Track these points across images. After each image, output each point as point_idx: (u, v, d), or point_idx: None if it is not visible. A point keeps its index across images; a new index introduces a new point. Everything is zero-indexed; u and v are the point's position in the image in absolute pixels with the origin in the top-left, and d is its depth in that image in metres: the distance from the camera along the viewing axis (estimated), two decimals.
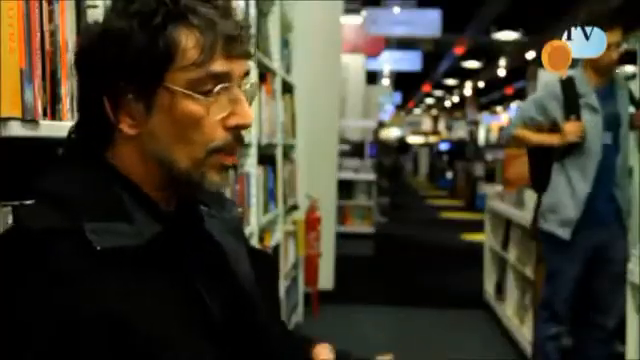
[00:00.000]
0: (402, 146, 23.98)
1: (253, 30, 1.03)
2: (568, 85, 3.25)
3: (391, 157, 14.93)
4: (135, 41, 0.92)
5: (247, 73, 0.99)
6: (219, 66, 0.94)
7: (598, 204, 3.25)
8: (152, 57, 0.92)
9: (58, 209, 0.89)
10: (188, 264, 0.97)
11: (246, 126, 0.97)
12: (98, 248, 0.87)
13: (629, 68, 4.10)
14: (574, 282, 3.31)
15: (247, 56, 0.99)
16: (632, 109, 3.18)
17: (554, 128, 3.32)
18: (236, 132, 0.97)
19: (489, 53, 17.86)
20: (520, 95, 21.05)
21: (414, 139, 29.09)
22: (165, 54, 0.93)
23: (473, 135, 22.71)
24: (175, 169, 0.96)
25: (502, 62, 18.11)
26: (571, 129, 3.21)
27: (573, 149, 3.25)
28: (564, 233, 3.30)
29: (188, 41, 0.93)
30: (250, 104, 1.01)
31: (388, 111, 19.53)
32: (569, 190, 3.27)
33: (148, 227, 0.93)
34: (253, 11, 3.36)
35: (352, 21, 10.56)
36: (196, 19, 0.94)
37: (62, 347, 0.84)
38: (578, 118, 3.22)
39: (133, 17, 0.93)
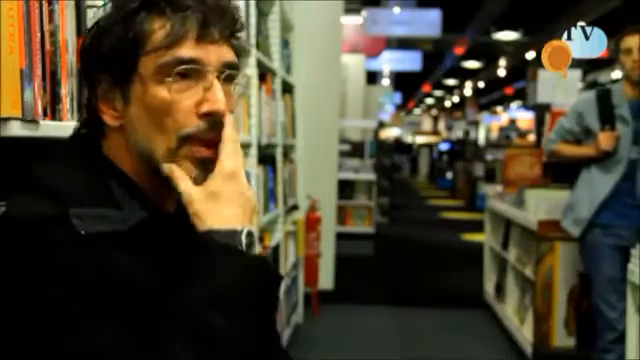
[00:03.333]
0: (400, 146, 23.96)
1: (237, 17, 1.01)
2: (604, 96, 3.34)
3: (389, 157, 14.92)
4: (109, 33, 0.95)
5: (231, 65, 0.98)
6: (188, 51, 0.94)
7: (619, 210, 3.30)
8: (123, 45, 0.94)
9: (45, 197, 0.90)
10: (173, 254, 0.96)
11: (217, 113, 0.95)
12: (82, 233, 0.87)
13: None
14: (612, 283, 3.30)
15: (224, 42, 0.98)
16: None
17: (589, 138, 3.38)
18: (210, 120, 0.95)
19: (489, 53, 17.88)
20: (520, 95, 21.07)
21: (414, 139, 29.09)
22: (135, 41, 0.94)
23: (468, 135, 22.66)
24: (152, 160, 0.96)
25: (502, 62, 18.12)
26: (605, 139, 3.27)
27: (602, 156, 3.31)
28: (575, 230, 3.42)
29: (157, 25, 0.94)
30: (237, 100, 1.00)
31: (388, 111, 19.52)
32: (589, 193, 3.36)
33: (135, 213, 0.94)
34: (253, 11, 3.36)
35: (352, 21, 10.56)
36: (168, 4, 0.94)
37: (51, 328, 0.84)
38: (612, 128, 3.28)
39: (112, 10, 0.97)
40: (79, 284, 0.86)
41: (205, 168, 0.96)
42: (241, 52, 1.03)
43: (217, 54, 0.96)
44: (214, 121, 0.95)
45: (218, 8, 0.97)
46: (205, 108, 0.95)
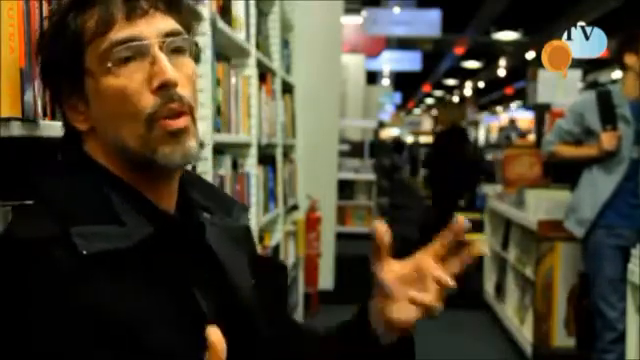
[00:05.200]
0: (397, 145, 23.86)
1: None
2: (604, 96, 3.34)
3: (389, 157, 14.90)
4: (50, 40, 0.96)
5: (171, 33, 0.95)
6: (121, 32, 0.92)
7: (621, 210, 3.31)
8: (65, 48, 0.94)
9: (46, 215, 0.88)
10: (182, 268, 0.95)
11: (169, 82, 0.92)
12: (84, 252, 0.85)
13: None
14: (613, 284, 3.30)
15: (155, 12, 0.95)
16: None
17: (590, 139, 3.37)
18: (165, 93, 0.93)
19: (489, 53, 17.87)
20: (520, 95, 21.07)
21: (415, 139, 29.05)
22: (74, 40, 0.94)
23: None
24: (128, 151, 0.94)
25: (502, 62, 18.12)
26: (608, 139, 3.26)
27: (604, 157, 3.31)
28: (578, 231, 3.41)
29: (88, 19, 0.94)
30: (192, 58, 0.98)
31: (388, 111, 19.51)
32: (591, 193, 3.36)
33: (138, 229, 0.91)
34: (253, 11, 3.36)
35: (352, 21, 10.56)
36: None
37: (54, 353, 0.83)
38: (614, 128, 3.28)
39: (50, 24, 0.97)
40: (80, 309, 0.84)
41: (178, 140, 0.94)
42: (190, 18, 1.00)
43: (151, 26, 0.94)
44: (169, 93, 0.93)
45: None
46: (155, 82, 0.92)
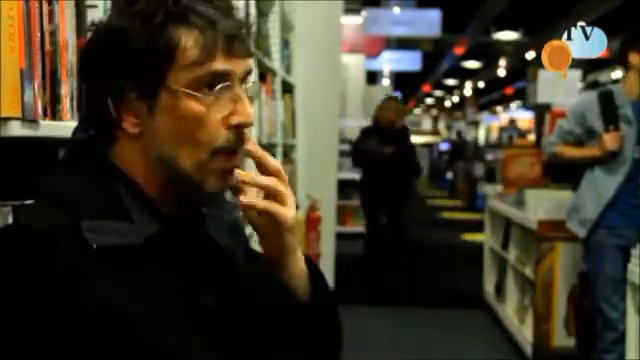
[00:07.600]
0: None
1: (253, 29, 1.04)
2: (606, 96, 3.33)
3: None
4: (136, 41, 0.92)
5: (249, 72, 0.99)
6: (220, 65, 0.94)
7: (623, 210, 3.30)
8: (153, 57, 0.92)
9: (57, 207, 0.90)
10: (187, 264, 0.97)
11: (247, 124, 0.97)
12: (94, 246, 0.87)
13: None
14: (614, 284, 3.29)
15: (248, 55, 0.99)
16: None
17: (592, 139, 3.37)
18: (238, 131, 0.96)
19: (489, 53, 17.89)
20: (520, 95, 21.08)
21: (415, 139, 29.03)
22: (165, 53, 0.93)
23: (461, 136, 22.50)
24: (177, 169, 0.95)
25: (502, 62, 18.14)
26: (610, 139, 3.26)
27: (607, 157, 3.31)
28: (581, 231, 3.41)
29: (188, 40, 0.93)
30: (252, 102, 1.01)
31: None
32: (593, 193, 3.36)
33: (146, 226, 0.93)
34: (253, 11, 3.36)
35: (352, 21, 10.57)
36: (197, 19, 0.93)
37: (58, 344, 0.84)
38: (617, 129, 3.27)
39: (134, 16, 0.93)
40: (84, 301, 0.85)
41: (227, 177, 0.98)
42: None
43: (240, 64, 0.97)
44: (243, 134, 0.97)
45: (240, 23, 0.98)
46: (235, 120, 0.96)
